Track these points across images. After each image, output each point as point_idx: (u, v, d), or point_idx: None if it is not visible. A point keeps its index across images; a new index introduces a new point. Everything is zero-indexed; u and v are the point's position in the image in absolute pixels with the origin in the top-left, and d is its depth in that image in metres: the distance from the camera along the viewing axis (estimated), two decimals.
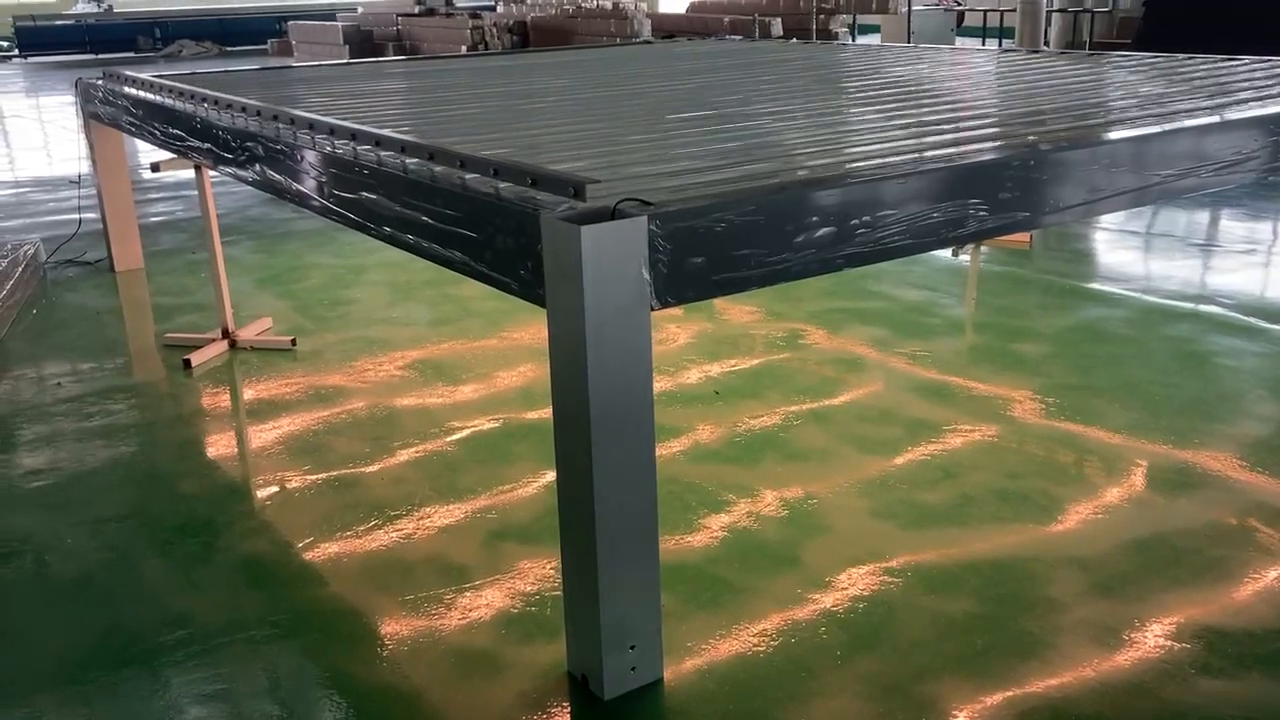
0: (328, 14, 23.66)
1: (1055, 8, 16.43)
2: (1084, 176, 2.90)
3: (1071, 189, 2.90)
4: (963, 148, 2.93)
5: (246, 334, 4.96)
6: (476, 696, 2.53)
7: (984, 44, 16.96)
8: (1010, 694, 2.49)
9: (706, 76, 5.14)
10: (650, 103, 4.19)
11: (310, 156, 3.28)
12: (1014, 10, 16.37)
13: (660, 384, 4.31)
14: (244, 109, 4.01)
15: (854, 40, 16.65)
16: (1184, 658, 2.60)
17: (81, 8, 28.62)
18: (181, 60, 23.63)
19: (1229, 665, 2.57)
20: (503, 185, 2.59)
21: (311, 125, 3.50)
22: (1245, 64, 4.68)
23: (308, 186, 3.33)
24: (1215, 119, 3.27)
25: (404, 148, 2.99)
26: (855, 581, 2.95)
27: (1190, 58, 5.02)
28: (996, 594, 2.88)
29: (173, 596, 3.00)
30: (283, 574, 3.12)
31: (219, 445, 4.02)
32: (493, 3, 26.55)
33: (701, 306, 5.18)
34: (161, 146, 4.65)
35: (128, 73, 5.46)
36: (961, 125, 3.34)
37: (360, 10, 23.85)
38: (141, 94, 4.96)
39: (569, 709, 2.47)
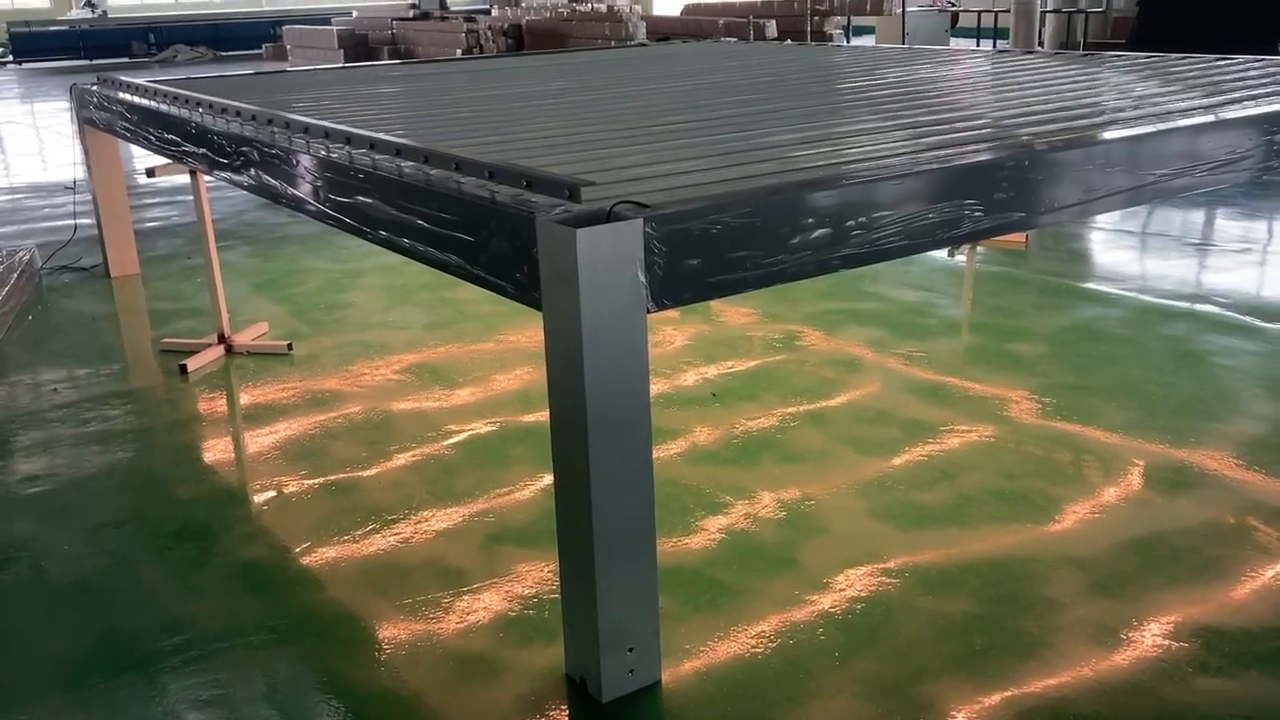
0: (322, 19, 23.64)
1: (1049, 8, 16.45)
2: (1079, 176, 2.91)
3: (1066, 189, 2.91)
4: (958, 149, 2.93)
5: (243, 339, 4.96)
6: (475, 700, 2.53)
7: (978, 45, 17.00)
8: (1009, 694, 2.49)
9: (702, 79, 5.14)
10: (644, 105, 4.19)
11: (305, 161, 3.28)
12: (1008, 11, 16.42)
13: (657, 386, 4.31)
14: (239, 113, 4.00)
15: (849, 42, 16.67)
16: (1182, 657, 2.60)
17: (76, 13, 28.61)
18: (176, 65, 23.62)
19: (1227, 664, 2.57)
20: (498, 188, 2.59)
21: (306, 129, 3.50)
22: (1238, 63, 4.69)
23: (303, 191, 3.32)
24: (1209, 118, 3.27)
25: (399, 150, 2.99)
26: (853, 582, 2.95)
27: (1184, 57, 5.03)
28: (994, 594, 2.88)
29: (170, 602, 2.99)
30: (280, 579, 3.11)
31: (216, 450, 4.02)
32: (487, 6, 26.57)
33: (698, 308, 5.18)
34: (157, 152, 4.65)
35: (123, 78, 5.45)
36: (956, 126, 3.34)
37: (355, 14, 23.84)
38: (136, 99, 4.95)
39: (567, 712, 2.47)
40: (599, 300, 2.21)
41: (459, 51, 17.32)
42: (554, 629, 2.70)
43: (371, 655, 2.71)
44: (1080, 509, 3.32)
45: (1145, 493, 3.42)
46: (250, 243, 7.10)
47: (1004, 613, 2.79)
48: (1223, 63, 4.73)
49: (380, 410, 4.27)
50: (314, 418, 4.22)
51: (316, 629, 2.85)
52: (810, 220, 2.50)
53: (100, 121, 5.52)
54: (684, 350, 4.80)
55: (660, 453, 3.70)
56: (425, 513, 3.42)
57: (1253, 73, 4.37)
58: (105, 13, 28.49)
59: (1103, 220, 6.90)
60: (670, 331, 4.99)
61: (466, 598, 2.93)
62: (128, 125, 4.97)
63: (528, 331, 5.05)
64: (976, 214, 2.76)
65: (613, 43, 15.09)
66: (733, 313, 5.25)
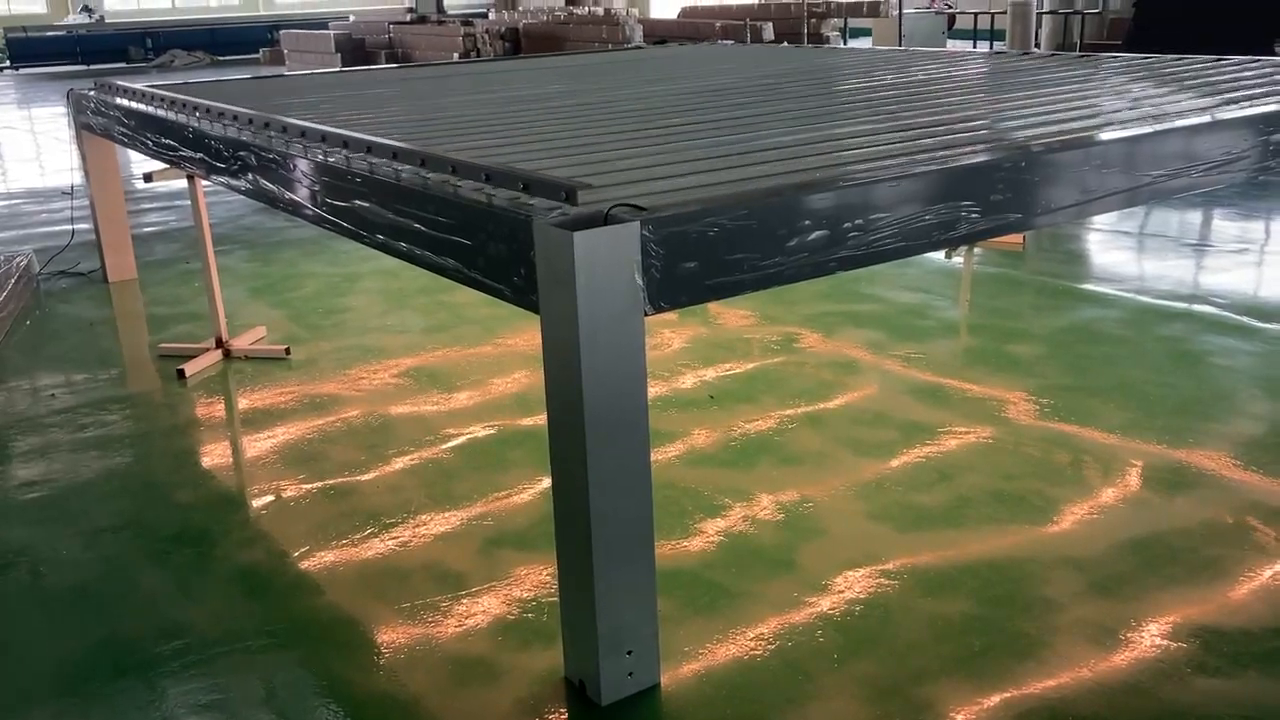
0: (319, 23, 23.64)
1: (1045, 9, 16.48)
2: (1075, 177, 2.91)
3: (1063, 190, 2.91)
4: (954, 150, 2.94)
5: (240, 343, 4.96)
6: (474, 703, 2.52)
7: (975, 46, 17.01)
8: (1008, 695, 2.49)
9: (700, 81, 5.14)
10: (643, 108, 4.20)
11: (302, 165, 3.28)
12: (1004, 13, 16.44)
13: (655, 389, 4.31)
14: (235, 118, 4.01)
15: (845, 44, 16.68)
16: (1181, 657, 2.60)
17: (73, 19, 28.60)
18: (173, 70, 23.63)
19: (1225, 664, 2.57)
20: (495, 191, 2.60)
21: (303, 133, 3.51)
22: (1233, 64, 4.69)
23: (300, 195, 3.33)
24: (1206, 119, 3.28)
25: (395, 154, 3.00)
26: (851, 584, 2.95)
27: (1180, 58, 5.03)
28: (993, 595, 2.88)
29: (169, 607, 2.99)
30: (279, 583, 3.11)
31: (214, 455, 4.02)
32: (484, 10, 26.60)
33: (695, 311, 5.18)
34: (154, 157, 4.65)
35: (120, 83, 5.45)
36: (955, 128, 3.34)
37: (352, 19, 23.85)
38: (133, 104, 4.95)
39: (566, 715, 2.47)
40: (596, 303, 2.21)
41: (456, 55, 17.33)
42: (553, 632, 2.70)
43: (370, 659, 2.71)
44: (1078, 510, 3.32)
45: (1143, 493, 3.42)
46: (248, 247, 7.10)
47: (1002, 614, 2.79)
48: (1218, 64, 4.74)
49: (378, 414, 4.27)
50: (312, 422, 4.21)
51: (315, 633, 2.85)
52: (807, 222, 2.50)
53: (97, 127, 5.52)
54: (682, 352, 4.80)
55: (658, 455, 3.70)
56: (423, 516, 3.42)
57: (1248, 74, 4.38)
58: (102, 18, 28.49)
59: (1100, 221, 6.91)
60: (668, 334, 4.99)
61: (465, 601, 2.93)
62: (125, 130, 4.97)
63: (525, 335, 5.05)
64: (973, 215, 2.76)
65: (609, 46, 15.09)
66: (730, 315, 5.25)
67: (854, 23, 17.80)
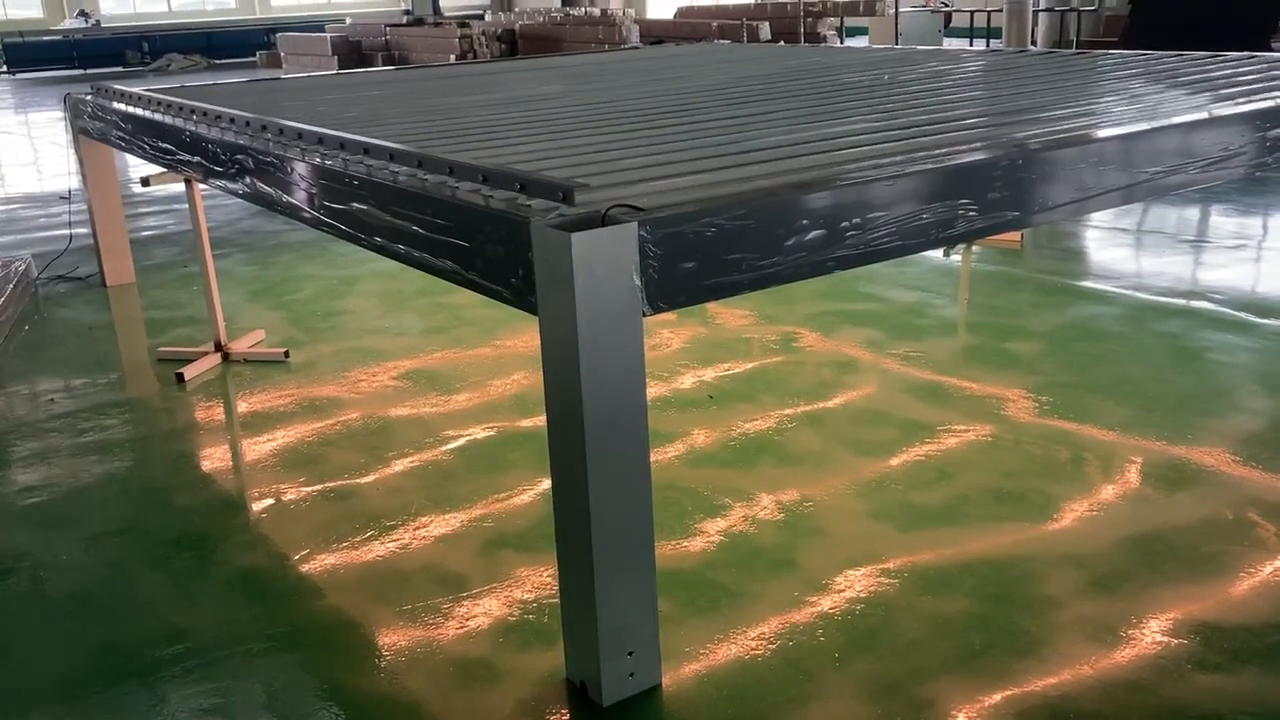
0: (316, 26, 23.63)
1: (1042, 7, 16.49)
2: (1073, 175, 2.91)
3: (1061, 187, 2.91)
4: (951, 148, 2.94)
5: (239, 347, 4.95)
6: (475, 705, 2.52)
7: (971, 44, 17.01)
8: (1009, 693, 2.49)
9: (700, 80, 5.14)
10: (641, 107, 4.19)
11: (299, 167, 3.28)
12: (1000, 11, 16.45)
13: (654, 389, 4.31)
14: (233, 121, 4.00)
15: (842, 42, 16.68)
16: (1182, 654, 2.60)
17: (69, 23, 28.59)
18: (170, 74, 23.61)
19: (1226, 660, 2.57)
20: (492, 192, 2.60)
21: (300, 135, 3.50)
22: (1232, 60, 4.69)
23: (298, 198, 3.33)
24: (1204, 115, 3.28)
25: (392, 155, 3.00)
26: (852, 583, 2.95)
27: (1178, 55, 5.03)
28: (994, 593, 2.88)
29: (170, 611, 2.99)
30: (280, 587, 3.11)
31: (213, 459, 4.02)
32: (480, 11, 26.59)
33: (694, 311, 5.18)
34: (152, 161, 4.65)
35: (117, 87, 5.45)
36: (952, 126, 3.34)
37: (348, 21, 23.85)
38: (130, 108, 4.95)
39: (568, 716, 2.47)
40: (595, 304, 2.21)
41: (453, 57, 17.33)
42: (554, 633, 2.70)
43: (371, 662, 2.71)
44: (1078, 507, 3.32)
45: (1143, 490, 3.42)
46: (246, 250, 7.10)
47: (1003, 612, 2.79)
48: (1216, 60, 4.74)
49: (378, 416, 4.27)
50: (311, 425, 4.21)
51: (316, 636, 2.85)
52: (805, 222, 2.50)
53: (95, 131, 5.52)
54: (681, 353, 4.80)
55: (658, 455, 3.70)
56: (424, 519, 3.42)
57: (1246, 70, 4.38)
58: (99, 22, 28.47)
59: (1097, 218, 6.91)
60: (667, 334, 4.99)
61: (466, 603, 2.93)
62: (122, 135, 4.97)
63: (524, 336, 5.05)
64: (971, 213, 2.76)
65: (606, 46, 15.09)
66: (729, 315, 5.25)
67: (850, 22, 17.81)
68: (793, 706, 2.47)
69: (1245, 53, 4.94)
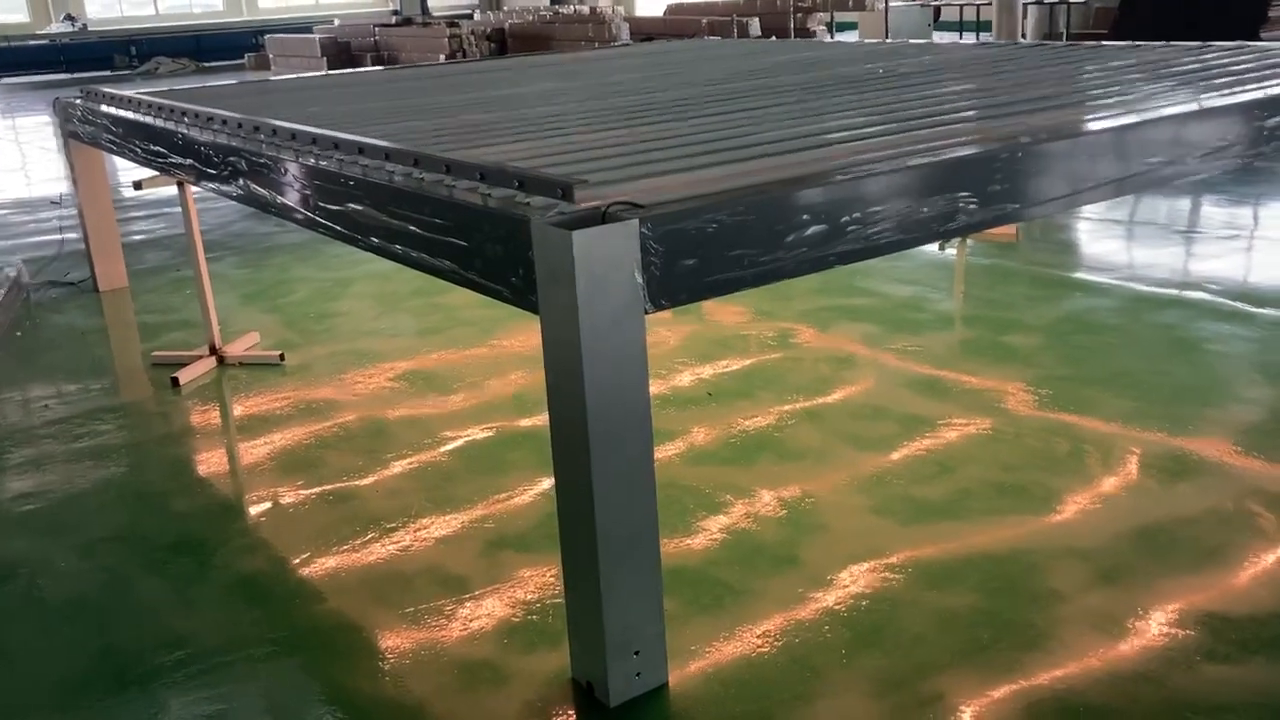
0: (304, 27, 23.57)
1: (1030, 0, 16.49)
2: (1072, 166, 2.90)
3: (1060, 179, 2.90)
4: (950, 141, 2.92)
5: (234, 350, 4.93)
6: (480, 707, 2.51)
7: (961, 38, 17.01)
8: (1016, 686, 2.48)
9: (696, 74, 5.13)
10: (638, 103, 4.18)
11: (294, 168, 3.26)
12: (989, 4, 16.44)
13: (653, 387, 4.24)
14: (225, 123, 3.98)
15: (832, 37, 16.67)
16: (1189, 645, 2.59)
17: (56, 27, 28.46)
18: (159, 77, 23.52)
19: (1234, 651, 2.57)
20: (489, 190, 2.58)
21: (293, 136, 3.48)
22: (1227, 50, 4.69)
23: (293, 199, 3.30)
24: (1199, 105, 3.27)
25: (388, 155, 2.98)
26: (856, 579, 2.94)
27: (1171, 46, 5.03)
28: (998, 587, 2.87)
29: (169, 617, 2.97)
30: (280, 590, 3.09)
31: (210, 463, 3.99)
32: (469, 11, 26.55)
33: (690, 308, 5.17)
34: (144, 164, 4.62)
35: (108, 90, 5.42)
36: (951, 118, 3.33)
37: (337, 22, 23.79)
38: (121, 112, 4.92)
39: (574, 717, 2.46)
40: (597, 302, 2.19)
41: (442, 57, 17.29)
42: (558, 634, 2.69)
43: (375, 665, 2.69)
44: (1080, 500, 3.31)
45: (1145, 481, 3.41)
46: (238, 253, 7.06)
47: (1009, 605, 2.79)
48: (1207, 51, 4.73)
49: (375, 418, 4.25)
50: (309, 427, 4.19)
51: (318, 640, 2.83)
52: (805, 217, 2.48)
53: (85, 135, 5.48)
54: (678, 350, 4.78)
55: (659, 453, 3.66)
56: (424, 520, 3.40)
57: (1246, 60, 4.37)
58: (85, 26, 28.35)
59: (1090, 210, 6.90)
60: (664, 332, 4.98)
61: (469, 604, 2.92)
62: (113, 138, 4.94)
63: (521, 335, 5.03)
64: (971, 206, 2.75)
65: (596, 44, 15.07)
66: (725, 312, 5.24)
67: (841, 16, 17.80)
68: (800, 704, 2.46)
69: (1236, 43, 4.94)
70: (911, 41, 6.94)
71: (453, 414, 4.25)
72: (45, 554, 3.36)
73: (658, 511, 2.42)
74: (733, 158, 2.77)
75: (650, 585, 2.45)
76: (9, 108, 18.98)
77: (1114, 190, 3.05)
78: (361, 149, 3.10)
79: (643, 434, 2.34)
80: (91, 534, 3.47)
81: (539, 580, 3.01)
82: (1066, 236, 6.54)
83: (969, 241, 6.14)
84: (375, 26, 20.50)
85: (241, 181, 3.64)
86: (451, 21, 19.84)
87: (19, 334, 5.57)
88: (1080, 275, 5.66)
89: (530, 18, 19.01)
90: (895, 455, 3.68)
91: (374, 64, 18.65)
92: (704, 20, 15.64)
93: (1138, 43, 5.30)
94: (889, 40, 8.29)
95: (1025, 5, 15.85)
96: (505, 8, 24.12)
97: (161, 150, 4.37)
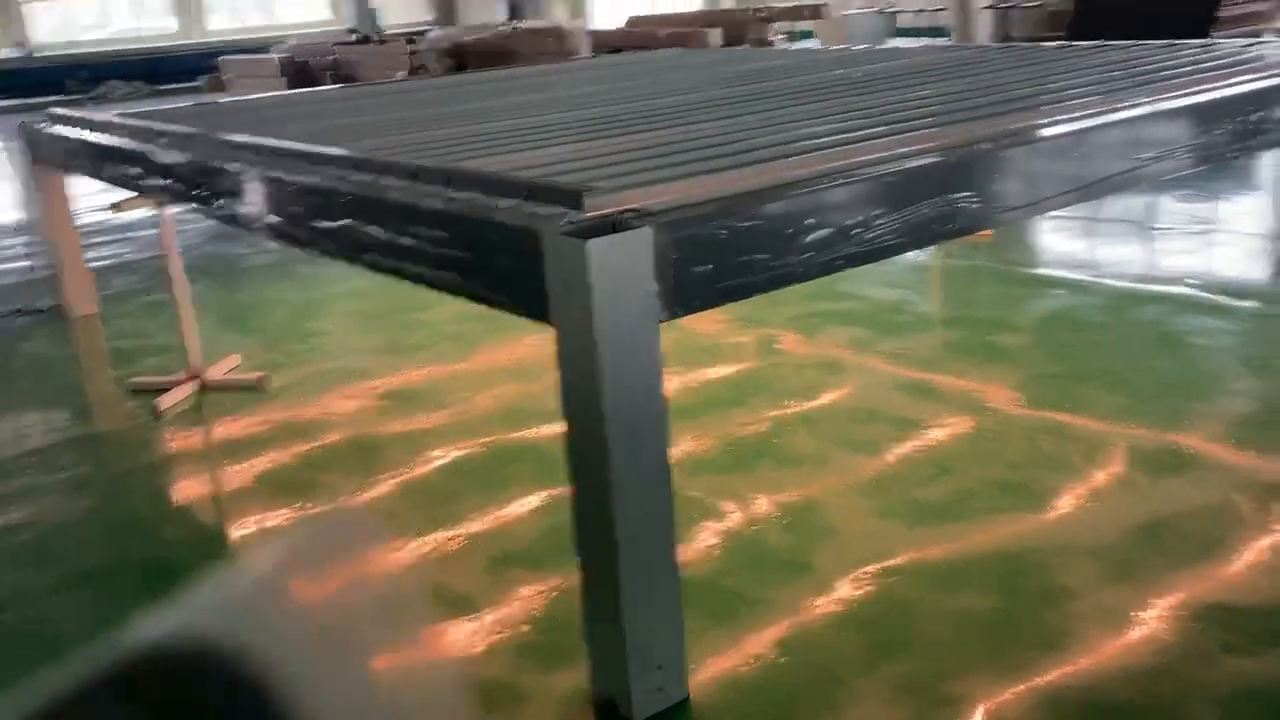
0: (260, 48, 23.34)
1: (985, 4, 16.68)
2: (1073, 163, 2.92)
3: (1060, 176, 2.91)
4: (949, 140, 2.93)
5: (215, 373, 4.84)
6: None
7: (919, 42, 17.16)
8: (1038, 685, 2.47)
9: (672, 84, 5.11)
10: (623, 112, 4.15)
11: (285, 186, 3.21)
12: (945, 9, 16.64)
13: None
14: (207, 141, 3.91)
15: (793, 45, 16.76)
16: (1204, 638, 2.60)
17: (3, 53, 28.02)
18: (112, 101, 23.21)
19: (1249, 643, 2.58)
20: (495, 201, 2.54)
21: (282, 153, 3.43)
22: (1192, 49, 4.74)
23: (284, 218, 3.25)
24: (1199, 99, 3.29)
25: (384, 168, 2.93)
26: (869, 584, 2.92)
27: (1136, 44, 5.07)
28: (1012, 586, 2.87)
29: None
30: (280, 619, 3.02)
31: (198, 489, 3.92)
32: (425, 27, 26.42)
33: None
34: (120, 186, 4.54)
35: (79, 113, 5.32)
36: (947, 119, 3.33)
37: (294, 42, 23.58)
38: (96, 134, 4.83)
39: None
40: (613, 311, 2.17)
41: (402, 74, 17.18)
42: (574, 650, 2.64)
43: None
44: (1081, 497, 3.32)
45: (1144, 477, 3.43)
46: (210, 276, 6.94)
47: (1024, 605, 2.78)
48: (1174, 49, 4.78)
49: (365, 438, 4.18)
50: (297, 449, 4.12)
51: None
52: (814, 221, 2.47)
53: (52, 159, 5.39)
54: (667, 359, 4.74)
55: None
56: (424, 539, 3.35)
57: (1208, 58, 4.42)
58: (33, 51, 27.93)
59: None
60: None
61: (480, 623, 2.87)
62: (84, 161, 4.85)
63: (506, 349, 4.99)
64: (974, 206, 2.76)
65: (559, 58, 15.05)
66: (708, 319, 5.21)
67: (801, 25, 17.91)
68: (825, 711, 2.44)
69: (1199, 42, 5.00)
70: (880, 46, 6.98)
71: (443, 430, 4.19)
72: (32, 588, 3.26)
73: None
74: (737, 163, 2.75)
75: (670, 597, 2.42)
76: None
77: (1116, 185, 3.06)
78: (356, 164, 3.05)
79: (660, 443, 2.32)
80: (78, 565, 3.38)
81: (548, 596, 2.97)
82: (1038, 235, 6.57)
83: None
84: (334, 45, 20.35)
85: (226, 201, 3.58)
86: (410, 38, 19.74)
87: None
88: (1058, 273, 5.70)
89: (489, 33, 18.95)
90: (894, 458, 3.68)
91: (333, 83, 18.48)
92: (664, 32, 15.66)
93: (1108, 42, 5.35)
94: (857, 46, 8.33)
95: (982, 9, 16.04)
96: (461, 23, 24.04)
97: (139, 172, 4.30)
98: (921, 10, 17.49)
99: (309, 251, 3.18)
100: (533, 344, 4.99)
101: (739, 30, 15.92)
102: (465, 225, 2.51)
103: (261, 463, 4.03)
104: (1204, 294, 5.11)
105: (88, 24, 31.08)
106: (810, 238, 2.47)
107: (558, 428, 4.10)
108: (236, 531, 3.56)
